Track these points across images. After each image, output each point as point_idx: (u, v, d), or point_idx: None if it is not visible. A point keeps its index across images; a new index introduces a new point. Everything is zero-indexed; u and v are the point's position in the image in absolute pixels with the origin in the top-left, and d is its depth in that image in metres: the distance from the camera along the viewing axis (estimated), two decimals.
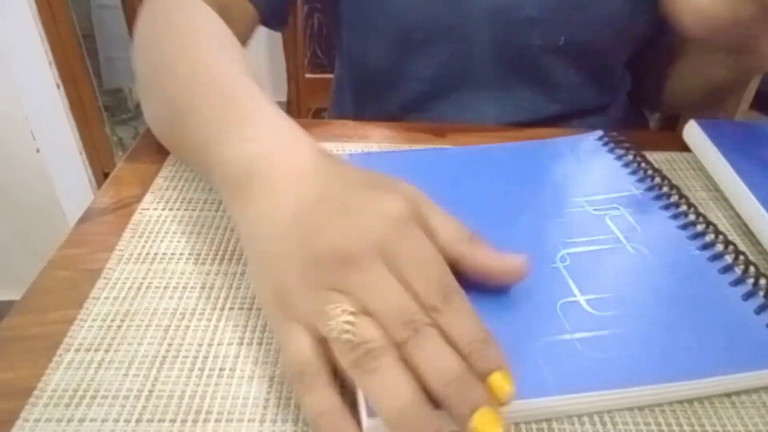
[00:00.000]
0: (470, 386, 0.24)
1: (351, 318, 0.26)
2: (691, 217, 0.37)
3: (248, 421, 0.27)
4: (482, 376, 0.25)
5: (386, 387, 0.24)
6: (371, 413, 0.25)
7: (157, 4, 0.48)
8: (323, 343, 0.26)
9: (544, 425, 0.27)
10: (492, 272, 0.30)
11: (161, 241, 0.37)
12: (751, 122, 0.49)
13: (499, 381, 0.25)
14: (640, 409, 0.28)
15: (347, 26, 0.60)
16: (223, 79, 0.37)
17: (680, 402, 0.28)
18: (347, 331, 0.25)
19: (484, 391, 0.25)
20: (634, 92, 0.65)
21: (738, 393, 0.29)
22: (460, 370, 0.25)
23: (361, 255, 0.27)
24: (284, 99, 1.81)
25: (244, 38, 0.54)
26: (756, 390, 0.29)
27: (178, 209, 0.39)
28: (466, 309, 0.27)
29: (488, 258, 0.30)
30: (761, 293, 0.32)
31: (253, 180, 0.31)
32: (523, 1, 0.53)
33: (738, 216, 0.40)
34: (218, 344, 0.30)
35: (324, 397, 0.26)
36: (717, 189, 0.43)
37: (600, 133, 0.45)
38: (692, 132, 0.47)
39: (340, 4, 0.58)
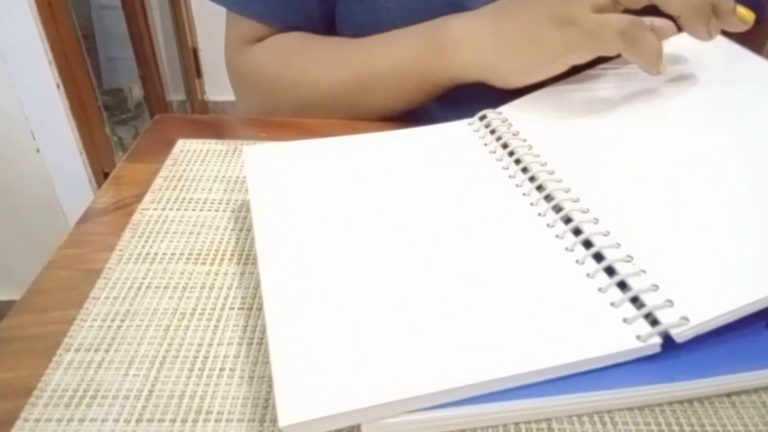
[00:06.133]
0: None
1: None
2: None
3: (248, 421, 0.27)
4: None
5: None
6: None
7: (266, 52, 0.53)
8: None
9: (544, 425, 0.27)
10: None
11: (161, 241, 0.37)
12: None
13: (744, 11, 0.40)
14: (640, 409, 0.28)
15: None
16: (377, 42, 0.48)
17: (680, 402, 0.28)
18: None
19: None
20: None
21: (738, 393, 0.29)
22: None
23: None
24: None
25: None
26: (756, 390, 0.29)
27: (178, 209, 0.39)
28: None
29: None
30: None
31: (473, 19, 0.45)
32: None
33: None
34: (218, 344, 0.30)
35: (652, 35, 0.38)
36: None
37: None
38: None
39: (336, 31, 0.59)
